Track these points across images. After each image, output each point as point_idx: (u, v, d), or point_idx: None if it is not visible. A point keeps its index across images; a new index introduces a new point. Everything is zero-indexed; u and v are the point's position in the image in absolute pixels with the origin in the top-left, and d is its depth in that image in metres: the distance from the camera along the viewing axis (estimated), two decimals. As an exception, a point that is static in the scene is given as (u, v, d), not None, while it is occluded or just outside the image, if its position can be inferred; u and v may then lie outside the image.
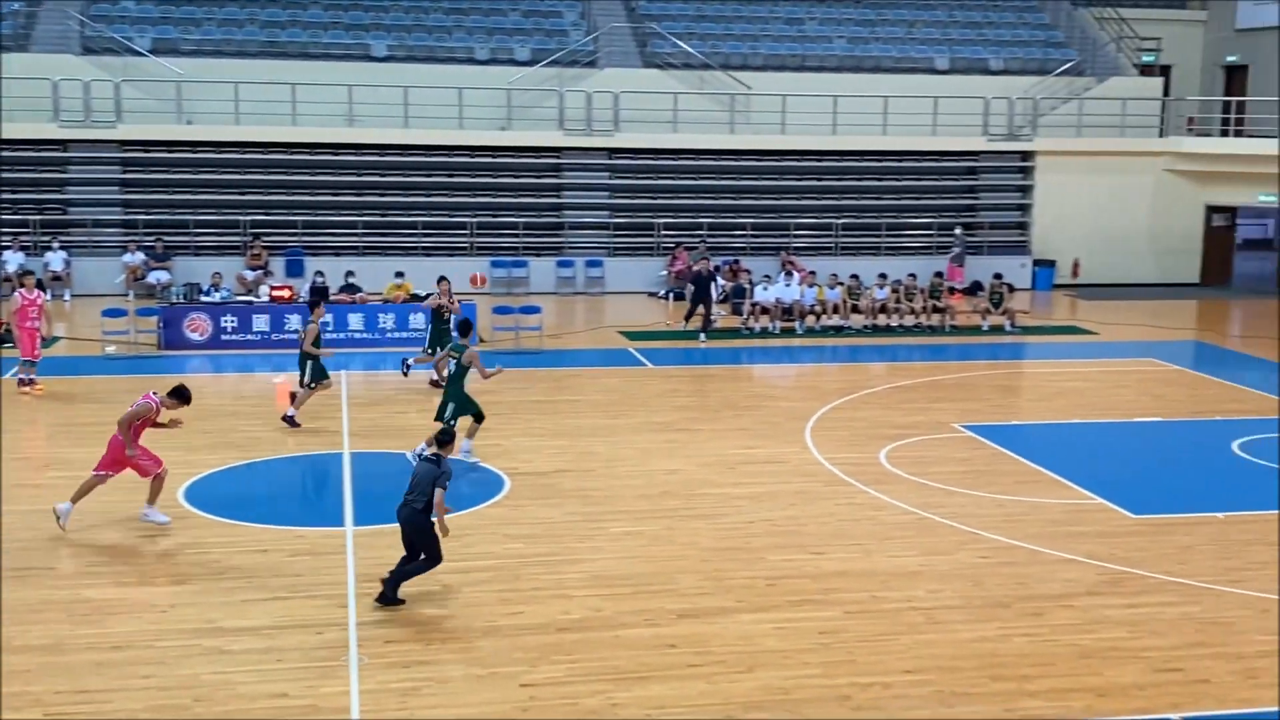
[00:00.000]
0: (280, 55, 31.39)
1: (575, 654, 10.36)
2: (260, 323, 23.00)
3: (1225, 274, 34.11)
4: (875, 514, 14.14)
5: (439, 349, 19.04)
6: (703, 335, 24.88)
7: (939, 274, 27.88)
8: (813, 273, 27.33)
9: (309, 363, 17.53)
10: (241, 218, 29.61)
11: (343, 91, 29.99)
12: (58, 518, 12.90)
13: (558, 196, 31.89)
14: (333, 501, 14.44)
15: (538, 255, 30.90)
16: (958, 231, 30.83)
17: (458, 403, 15.27)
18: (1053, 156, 32.74)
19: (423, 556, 11.13)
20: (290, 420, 17.29)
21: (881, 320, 26.47)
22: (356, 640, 10.43)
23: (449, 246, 30.35)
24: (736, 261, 29.59)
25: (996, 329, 26.30)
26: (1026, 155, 33.05)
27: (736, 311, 26.69)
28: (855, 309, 26.55)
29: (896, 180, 33.16)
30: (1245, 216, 36.77)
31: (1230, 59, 37.73)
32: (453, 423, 14.73)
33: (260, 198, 30.19)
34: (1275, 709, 9.59)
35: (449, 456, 11.33)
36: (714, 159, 32.39)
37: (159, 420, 13.14)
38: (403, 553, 11.25)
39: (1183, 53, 38.55)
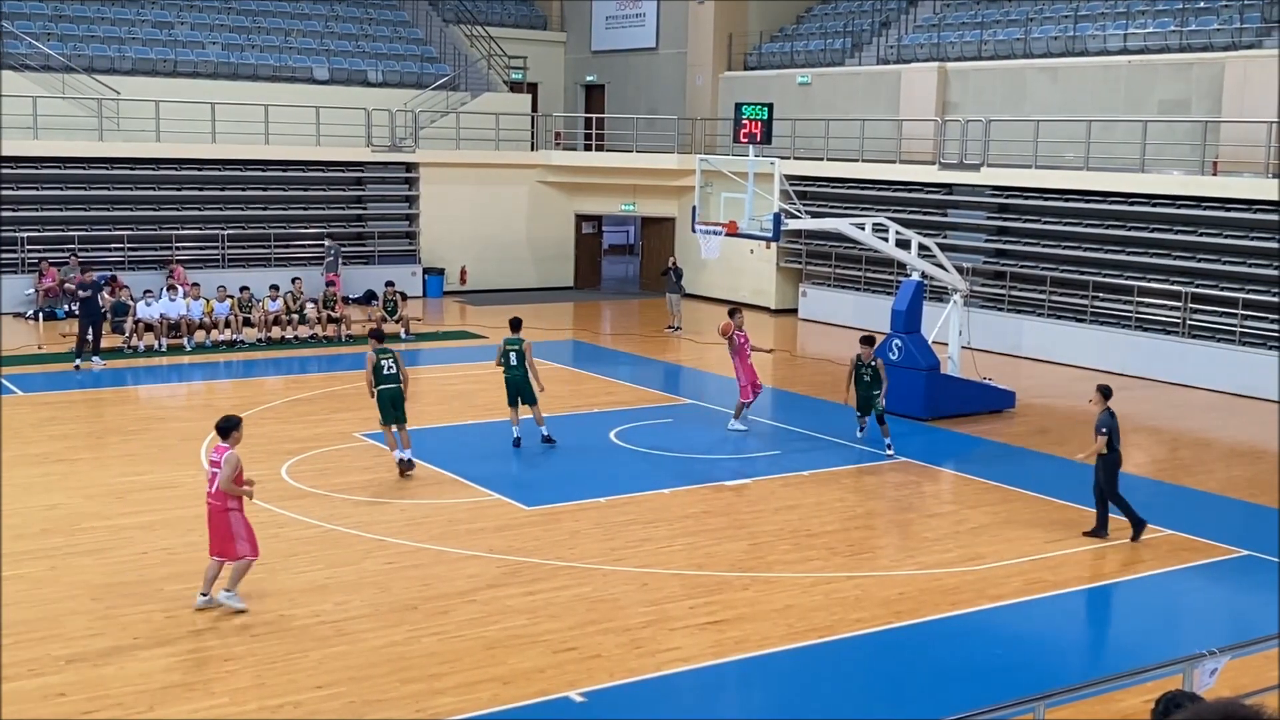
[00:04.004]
0: None
1: (-54, 721, 9.28)
2: None
3: (595, 278, 36.91)
4: (279, 531, 13.87)
5: None
6: (97, 359, 22.69)
7: (331, 284, 27.88)
8: (196, 285, 26.30)
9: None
10: None
11: None
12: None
13: (-103, 209, 28.35)
14: None
15: (-125, 276, 27.29)
16: (327, 243, 30.86)
17: None
18: (435, 168, 33.74)
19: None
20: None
21: (275, 333, 26.00)
22: None
23: None
24: (114, 277, 27.77)
25: (392, 337, 26.61)
26: (410, 166, 33.80)
27: (118, 330, 25.04)
28: (247, 322, 25.87)
29: (283, 190, 32.67)
30: (609, 224, 39.99)
31: (589, 78, 40.81)
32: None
33: None
34: (657, 674, 10.54)
35: None
36: (83, 168, 30.20)
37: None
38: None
39: (547, 71, 41.15)
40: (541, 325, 29.02)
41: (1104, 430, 14.08)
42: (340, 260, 30.79)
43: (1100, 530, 14.26)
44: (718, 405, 20.94)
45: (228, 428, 11.66)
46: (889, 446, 17.82)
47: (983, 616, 12.03)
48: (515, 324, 18.10)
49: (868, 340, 18.52)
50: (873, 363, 18.25)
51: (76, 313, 23.79)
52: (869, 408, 18.28)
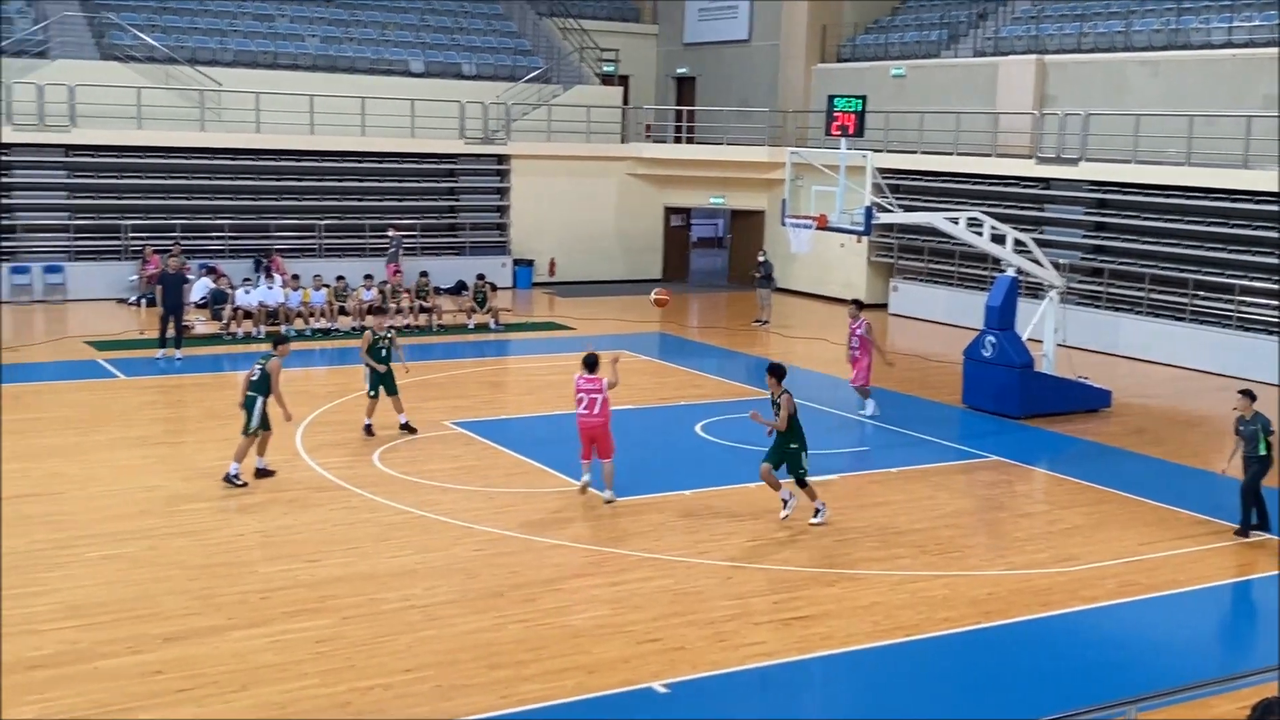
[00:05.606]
0: None
1: (49, 692, 9.57)
2: None
3: (683, 270, 36.87)
4: (370, 516, 14.10)
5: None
6: (168, 351, 22.69)
7: (424, 273, 28.19)
8: (295, 276, 26.74)
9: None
10: None
11: None
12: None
13: (7, 196, 29.18)
14: None
15: (-15, 261, 28.17)
16: (391, 234, 31.06)
17: None
18: (526, 160, 33.94)
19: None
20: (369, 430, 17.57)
21: (370, 321, 26.32)
22: None
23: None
24: (214, 268, 28.41)
25: (482, 327, 26.95)
26: (502, 159, 34.04)
27: (217, 317, 25.60)
28: (342, 310, 26.27)
29: (378, 181, 33.12)
30: (698, 217, 39.95)
31: (681, 71, 40.77)
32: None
33: None
34: (741, 668, 10.53)
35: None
36: (185, 157, 30.86)
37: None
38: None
39: (639, 64, 41.20)
40: (629, 318, 29.05)
41: (1272, 430, 14.07)
42: (401, 251, 30.79)
43: (1262, 525, 14.25)
44: (802, 399, 20.79)
45: (594, 361, 14.85)
46: (816, 512, 14.22)
47: (1074, 618, 11.84)
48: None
49: (773, 370, 14.43)
50: (778, 399, 14.11)
51: (156, 300, 23.72)
52: (782, 462, 14.00)
